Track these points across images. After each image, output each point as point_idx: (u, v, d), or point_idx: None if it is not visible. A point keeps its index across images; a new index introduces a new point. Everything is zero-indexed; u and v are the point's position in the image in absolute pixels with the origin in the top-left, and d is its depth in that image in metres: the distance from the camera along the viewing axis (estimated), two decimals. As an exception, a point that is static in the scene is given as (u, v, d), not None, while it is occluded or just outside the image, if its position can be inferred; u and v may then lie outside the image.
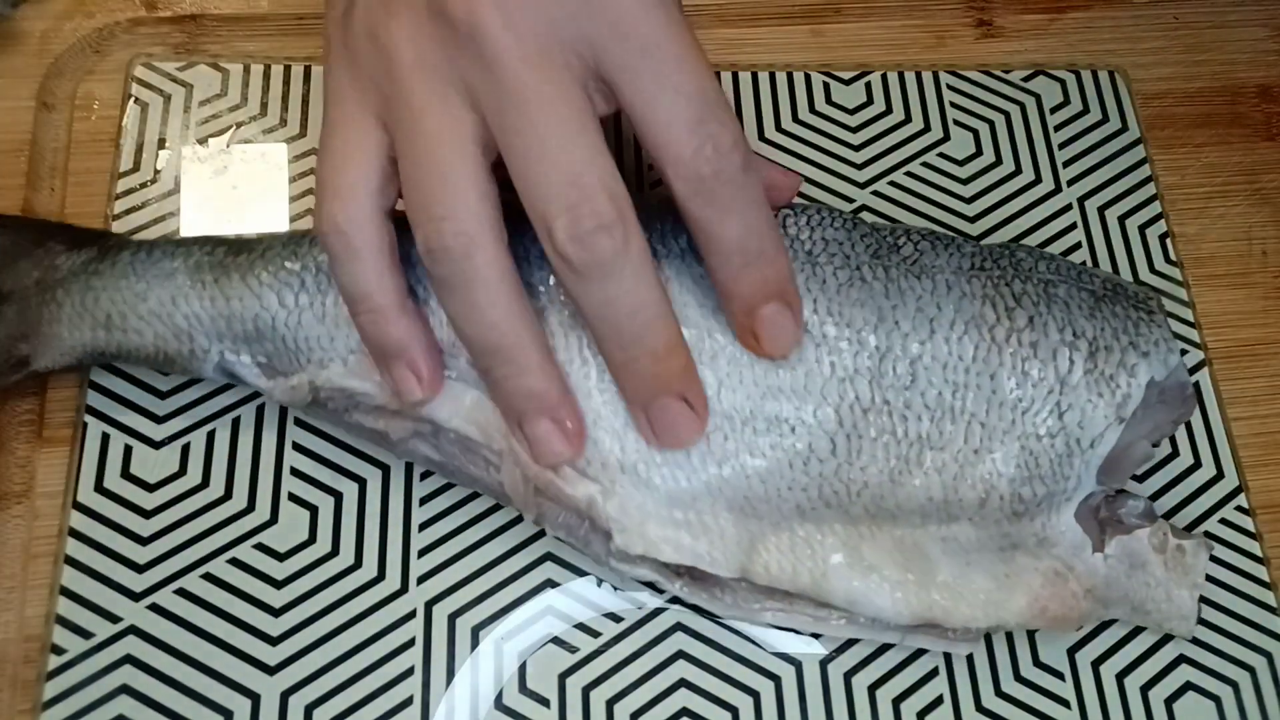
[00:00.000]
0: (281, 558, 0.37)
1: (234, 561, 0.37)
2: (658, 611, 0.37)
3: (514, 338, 0.33)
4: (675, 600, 0.37)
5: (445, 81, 0.31)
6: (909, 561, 0.35)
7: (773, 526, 0.35)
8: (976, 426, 0.35)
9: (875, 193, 0.45)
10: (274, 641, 0.36)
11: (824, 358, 0.35)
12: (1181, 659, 0.38)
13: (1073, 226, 0.45)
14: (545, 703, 0.36)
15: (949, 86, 0.48)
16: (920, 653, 0.38)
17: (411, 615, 0.37)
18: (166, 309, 0.37)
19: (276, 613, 0.36)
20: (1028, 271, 0.37)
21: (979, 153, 0.47)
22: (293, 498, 0.38)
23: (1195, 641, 0.39)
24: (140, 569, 0.36)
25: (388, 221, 0.33)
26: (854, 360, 0.35)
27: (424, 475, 0.39)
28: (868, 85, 0.48)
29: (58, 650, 0.35)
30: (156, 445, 0.38)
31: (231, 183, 0.43)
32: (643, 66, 0.31)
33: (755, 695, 0.37)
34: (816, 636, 0.37)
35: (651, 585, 0.37)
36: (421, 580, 0.37)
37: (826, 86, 0.47)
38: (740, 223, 0.33)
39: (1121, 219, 0.46)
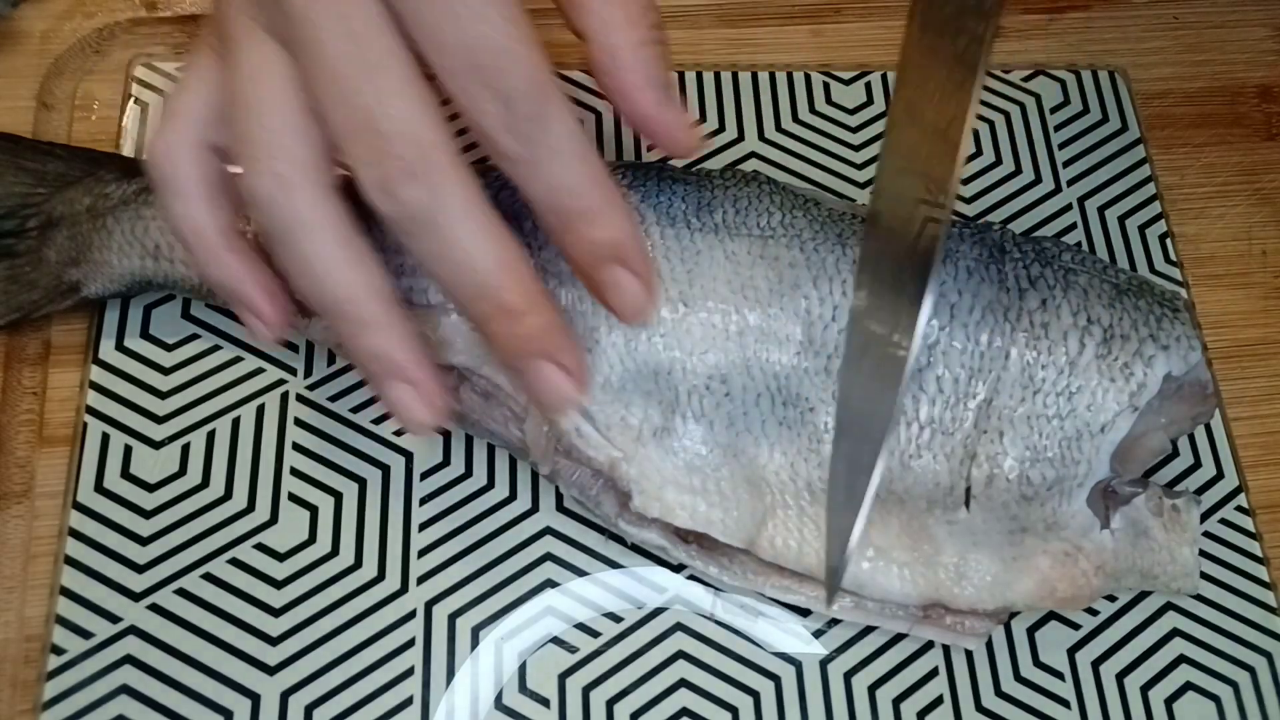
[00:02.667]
0: (281, 558, 0.37)
1: (234, 561, 0.37)
2: (658, 611, 0.37)
3: (345, 290, 0.30)
4: (676, 600, 0.38)
5: (255, 22, 0.30)
6: (915, 543, 0.36)
7: (783, 505, 0.36)
8: (986, 408, 0.35)
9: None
10: (274, 641, 0.36)
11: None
12: (1181, 659, 0.38)
13: (1073, 226, 0.45)
14: (545, 703, 0.36)
15: (949, 86, 0.48)
16: (920, 652, 0.38)
17: (411, 615, 0.37)
18: None
19: (276, 613, 0.36)
20: (1050, 258, 0.37)
21: (979, 153, 0.47)
22: (293, 498, 0.38)
23: (1195, 641, 0.39)
24: (140, 569, 0.36)
25: (212, 155, 0.32)
26: None
27: (424, 475, 0.39)
28: (868, 85, 0.47)
29: (58, 650, 0.35)
30: (156, 445, 0.38)
31: (231, 183, 0.43)
32: (418, 5, 0.28)
33: (755, 695, 0.37)
34: (817, 636, 0.37)
35: (657, 560, 0.37)
36: (421, 580, 0.37)
37: (826, 86, 0.47)
38: (544, 182, 0.30)
39: (1121, 219, 0.46)
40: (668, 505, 0.35)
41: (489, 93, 0.28)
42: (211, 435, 0.39)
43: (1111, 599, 0.39)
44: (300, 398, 0.39)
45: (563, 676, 0.36)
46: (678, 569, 0.38)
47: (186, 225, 0.32)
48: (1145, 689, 0.38)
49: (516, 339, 0.31)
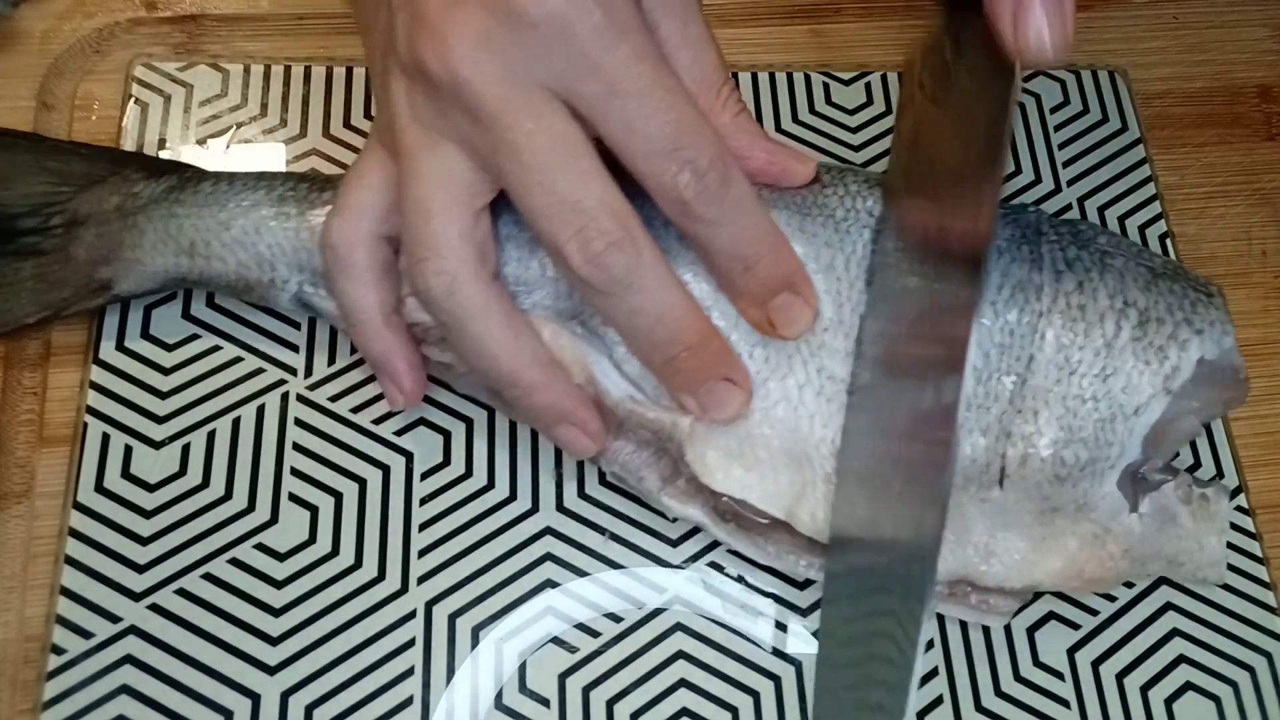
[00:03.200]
0: (281, 558, 0.37)
1: (234, 561, 0.37)
2: (658, 611, 0.37)
3: (512, 363, 0.35)
4: (676, 600, 0.38)
5: (437, 132, 0.33)
6: (948, 519, 0.35)
7: (824, 479, 0.36)
8: (1020, 386, 0.35)
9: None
10: (274, 641, 0.36)
11: None
12: (1181, 659, 0.38)
13: (1073, 226, 0.45)
14: (545, 703, 0.36)
15: (949, 86, 0.48)
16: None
17: (411, 615, 0.37)
18: (250, 238, 0.38)
19: (276, 613, 0.36)
20: (1086, 240, 0.37)
21: (979, 153, 0.47)
22: (293, 498, 0.38)
23: (1195, 641, 0.39)
24: (140, 569, 0.36)
25: (383, 243, 0.36)
26: None
27: (424, 475, 0.39)
28: (868, 85, 0.47)
29: (58, 650, 0.35)
30: (156, 445, 0.38)
31: (231, 183, 0.43)
32: (610, 104, 0.32)
33: (755, 695, 0.37)
34: (817, 636, 0.37)
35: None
36: (421, 580, 0.37)
37: (826, 86, 0.47)
38: (730, 235, 0.34)
39: (1121, 219, 0.46)
40: (708, 467, 0.36)
41: (687, 168, 0.32)
42: (211, 435, 0.39)
43: (1110, 598, 0.39)
44: (300, 398, 0.39)
45: (563, 676, 0.36)
46: (679, 568, 0.38)
47: (356, 305, 0.36)
48: (1145, 689, 0.38)
49: (698, 370, 0.35)
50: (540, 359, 0.35)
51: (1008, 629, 0.38)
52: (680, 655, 0.37)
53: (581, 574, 0.38)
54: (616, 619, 0.37)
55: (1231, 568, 0.40)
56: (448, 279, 0.33)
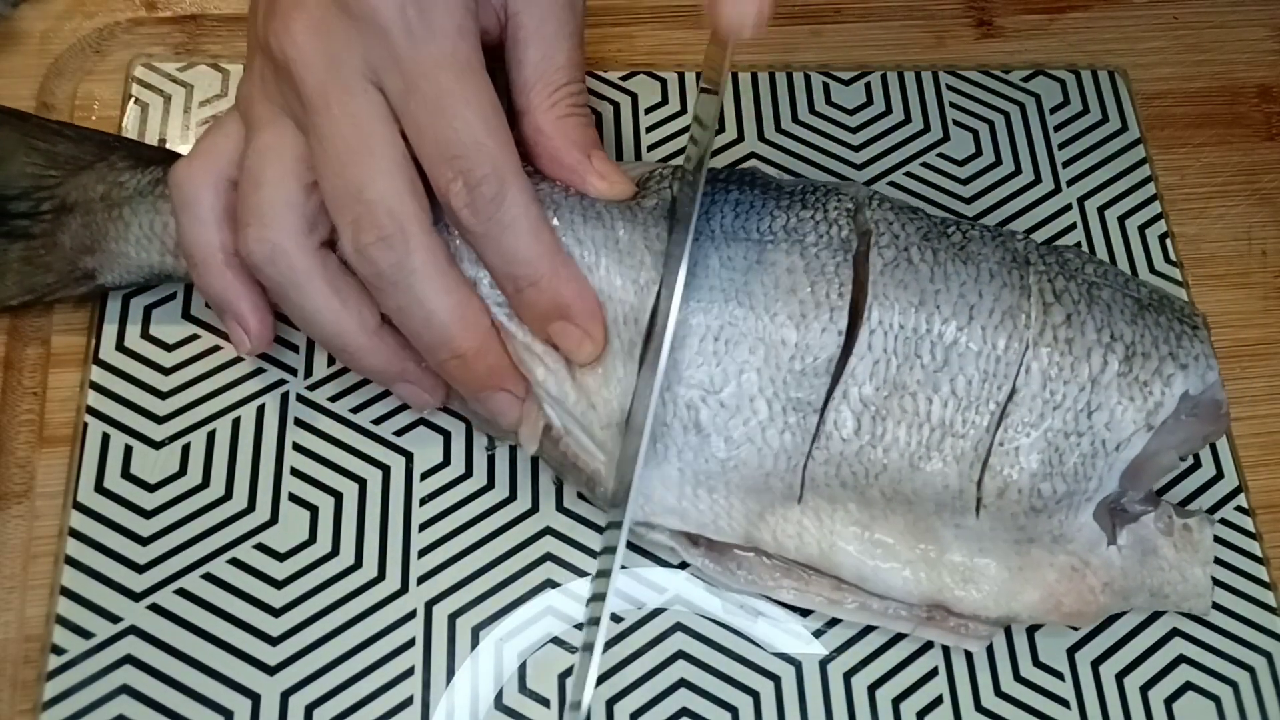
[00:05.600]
0: (281, 558, 0.37)
1: (234, 561, 0.37)
2: (658, 611, 0.37)
3: (335, 328, 0.35)
4: (676, 600, 0.38)
5: (278, 107, 0.35)
6: (919, 542, 0.36)
7: (784, 499, 0.36)
8: (1001, 418, 0.35)
9: (875, 193, 0.45)
10: (274, 641, 0.36)
11: (862, 337, 0.35)
12: (1181, 659, 0.38)
13: (1073, 226, 0.45)
14: (545, 703, 0.36)
15: (949, 86, 0.48)
16: (920, 653, 0.38)
17: (411, 615, 0.37)
18: None
19: (276, 613, 0.36)
20: (1074, 271, 0.37)
21: (979, 153, 0.47)
22: (293, 498, 0.38)
23: (1195, 641, 0.39)
24: (140, 569, 0.36)
25: (229, 186, 0.36)
26: (890, 341, 0.35)
27: (424, 475, 0.39)
28: (868, 85, 0.47)
29: (58, 650, 0.35)
30: (156, 445, 0.38)
31: (231, 183, 0.43)
32: (406, 103, 0.34)
33: (755, 695, 0.37)
34: (817, 636, 0.37)
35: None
36: (421, 580, 0.37)
37: (826, 86, 0.47)
38: (500, 253, 0.35)
39: (1121, 219, 0.46)
40: (656, 509, 0.36)
41: (461, 178, 0.33)
42: (211, 435, 0.39)
43: (1111, 599, 0.39)
44: (300, 398, 0.39)
45: (563, 676, 0.36)
46: (679, 568, 0.38)
47: (196, 243, 0.36)
48: (1145, 689, 0.38)
49: (471, 379, 0.36)
50: (368, 325, 0.35)
51: (1007, 629, 0.38)
52: (680, 655, 0.37)
53: (581, 574, 0.38)
54: (616, 619, 0.37)
55: (1231, 568, 0.40)
56: (268, 246, 0.34)
